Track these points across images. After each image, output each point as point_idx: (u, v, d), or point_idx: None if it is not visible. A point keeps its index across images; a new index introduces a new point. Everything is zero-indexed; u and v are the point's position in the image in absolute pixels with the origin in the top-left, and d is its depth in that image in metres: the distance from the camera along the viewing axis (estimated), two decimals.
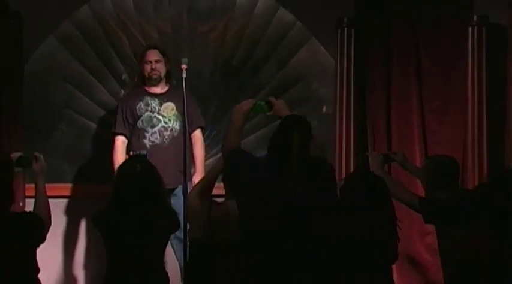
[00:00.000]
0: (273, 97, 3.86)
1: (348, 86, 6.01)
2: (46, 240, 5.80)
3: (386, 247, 3.72)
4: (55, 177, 5.95)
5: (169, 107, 5.63)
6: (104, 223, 4.09)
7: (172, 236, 4.84)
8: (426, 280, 5.86)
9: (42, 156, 4.13)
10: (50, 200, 5.84)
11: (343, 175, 5.45)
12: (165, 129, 5.59)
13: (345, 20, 6.01)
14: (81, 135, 6.15)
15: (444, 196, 4.53)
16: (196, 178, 5.47)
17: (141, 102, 5.64)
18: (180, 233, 4.97)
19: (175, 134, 5.57)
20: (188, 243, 5.00)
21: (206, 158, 5.84)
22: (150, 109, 5.63)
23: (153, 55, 5.63)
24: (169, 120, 5.62)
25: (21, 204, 5.76)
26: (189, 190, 5.10)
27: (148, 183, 4.05)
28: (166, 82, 5.71)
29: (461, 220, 4.21)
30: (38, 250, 5.76)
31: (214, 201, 4.12)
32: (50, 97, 6.12)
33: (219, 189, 4.20)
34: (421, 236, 5.82)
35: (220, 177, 4.07)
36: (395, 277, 5.75)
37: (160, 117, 5.62)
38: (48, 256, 5.86)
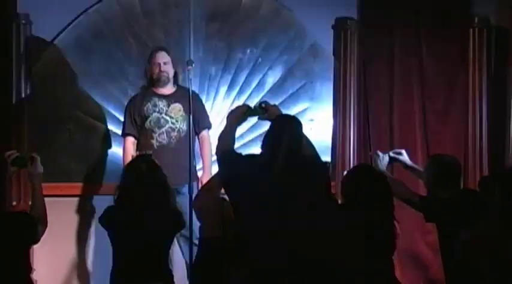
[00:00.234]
0: (267, 101, 3.91)
1: (349, 87, 6.06)
2: (54, 238, 5.90)
3: (384, 241, 3.74)
4: (63, 176, 6.05)
5: (177, 108, 5.66)
6: (110, 222, 4.14)
7: (178, 234, 4.89)
8: (428, 277, 5.90)
9: (39, 158, 4.07)
10: (58, 199, 5.98)
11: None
12: (173, 129, 5.63)
13: (347, 22, 6.06)
14: (89, 135, 6.17)
15: (445, 196, 4.54)
16: (204, 178, 5.51)
17: (149, 103, 5.67)
18: (186, 232, 5.04)
19: (182, 135, 5.59)
20: (195, 241, 5.06)
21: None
22: (157, 110, 5.66)
23: (161, 57, 5.67)
24: (177, 120, 5.65)
25: (29, 203, 5.79)
26: (194, 190, 5.22)
27: (154, 182, 4.08)
28: (173, 84, 5.74)
29: (462, 219, 4.23)
30: (47, 248, 5.86)
31: (226, 199, 4.16)
32: (59, 98, 6.13)
33: None
34: (423, 234, 5.86)
35: None
36: (397, 274, 5.82)
37: (167, 118, 5.65)
38: (56, 254, 5.99)
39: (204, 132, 5.71)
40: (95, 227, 6.00)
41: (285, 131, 3.54)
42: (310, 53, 6.27)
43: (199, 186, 5.46)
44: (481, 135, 6.01)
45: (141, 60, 6.09)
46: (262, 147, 3.59)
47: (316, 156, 3.72)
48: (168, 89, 5.73)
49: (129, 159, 5.50)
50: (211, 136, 5.71)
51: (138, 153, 5.40)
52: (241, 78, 6.27)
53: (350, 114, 6.06)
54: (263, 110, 3.83)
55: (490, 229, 3.59)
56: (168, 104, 5.67)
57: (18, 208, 5.73)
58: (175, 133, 5.63)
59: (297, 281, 3.35)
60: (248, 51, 6.26)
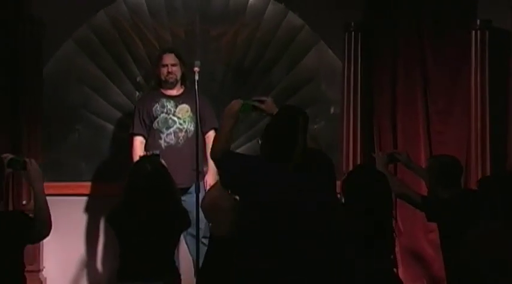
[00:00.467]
0: (260, 96, 3.88)
1: (355, 88, 6.09)
2: (64, 237, 5.99)
3: (385, 241, 3.73)
4: (73, 175, 6.15)
5: (184, 109, 5.71)
6: (116, 221, 4.17)
7: (185, 232, 4.95)
8: (430, 275, 5.91)
9: (33, 161, 3.98)
10: (68, 198, 6.06)
11: None
12: (180, 130, 5.67)
13: (352, 24, 6.09)
14: (98, 135, 6.23)
15: (446, 195, 4.57)
16: (209, 177, 5.57)
17: (157, 104, 5.72)
18: (193, 230, 5.09)
19: (190, 135, 5.63)
20: (204, 240, 5.12)
21: None
22: (165, 110, 5.70)
23: (169, 59, 5.72)
24: (184, 121, 5.70)
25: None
26: (201, 189, 5.28)
27: (158, 182, 4.10)
28: (181, 85, 5.79)
29: (463, 219, 4.25)
30: (56, 246, 5.95)
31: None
32: (68, 99, 6.21)
33: None
34: (425, 233, 5.88)
35: None
36: (400, 272, 5.88)
37: (175, 119, 5.70)
38: (65, 252, 6.06)
39: (211, 132, 5.72)
40: (103, 226, 6.07)
41: (298, 128, 3.45)
42: (316, 54, 6.32)
43: (206, 185, 5.54)
44: (483, 135, 6.00)
45: (148, 61, 6.18)
46: (268, 141, 3.49)
47: (320, 149, 3.69)
48: (176, 90, 5.79)
49: (137, 158, 5.45)
50: None
51: (146, 153, 5.45)
52: (248, 80, 6.32)
53: (356, 114, 6.10)
54: (257, 106, 3.78)
55: (490, 229, 3.61)
56: (175, 105, 5.72)
57: (29, 206, 5.81)
58: (183, 134, 5.68)
59: (298, 281, 3.35)
60: (254, 52, 6.31)
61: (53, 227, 5.92)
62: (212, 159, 3.66)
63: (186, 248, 5.61)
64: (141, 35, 6.23)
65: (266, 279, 3.34)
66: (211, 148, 3.65)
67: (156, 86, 5.84)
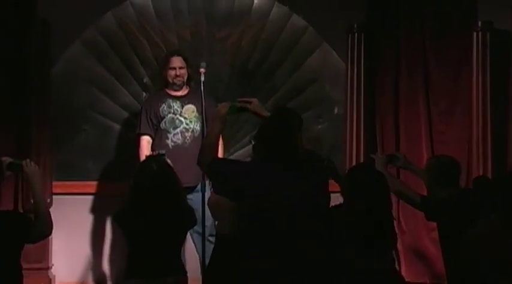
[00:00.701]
0: (246, 98, 3.89)
1: (358, 89, 6.13)
2: (72, 235, 6.06)
3: (384, 240, 3.73)
4: (81, 175, 6.20)
5: (190, 109, 5.77)
6: (123, 220, 4.19)
7: (192, 230, 5.00)
8: (433, 273, 5.94)
9: (33, 163, 4.01)
10: (76, 197, 6.12)
11: None
12: (187, 130, 5.73)
13: (355, 25, 6.15)
14: (105, 136, 6.28)
15: (445, 195, 4.58)
16: None
17: (164, 104, 5.77)
18: (199, 228, 5.13)
19: (196, 135, 5.68)
20: (209, 237, 5.17)
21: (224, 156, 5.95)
22: (172, 111, 5.76)
23: (178, 62, 5.77)
24: (191, 121, 5.75)
25: (48, 200, 5.86)
26: (206, 188, 5.31)
27: (164, 182, 4.11)
28: (186, 85, 5.85)
29: (462, 219, 4.28)
30: (64, 245, 6.01)
31: None
32: (76, 100, 6.25)
33: None
34: (428, 231, 5.89)
35: None
36: (403, 270, 5.94)
37: (182, 119, 5.76)
38: (73, 250, 6.12)
39: None
40: (111, 225, 6.11)
41: (292, 130, 3.48)
42: (320, 56, 6.36)
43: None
44: (484, 136, 6.02)
45: (155, 62, 6.23)
46: (262, 142, 3.50)
47: (313, 150, 3.73)
48: (181, 91, 5.84)
49: (144, 158, 5.59)
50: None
51: (152, 153, 5.50)
52: (253, 81, 6.37)
53: (360, 115, 6.13)
54: (244, 107, 3.80)
55: (490, 229, 3.63)
56: (181, 105, 5.78)
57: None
58: (190, 134, 5.74)
59: (298, 281, 3.36)
60: (259, 54, 6.35)
61: (61, 225, 6.04)
62: (200, 164, 3.66)
63: (193, 246, 5.65)
64: (147, 36, 6.28)
65: (266, 279, 3.35)
66: (199, 154, 3.65)
67: (162, 87, 5.89)
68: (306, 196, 3.43)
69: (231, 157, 6.05)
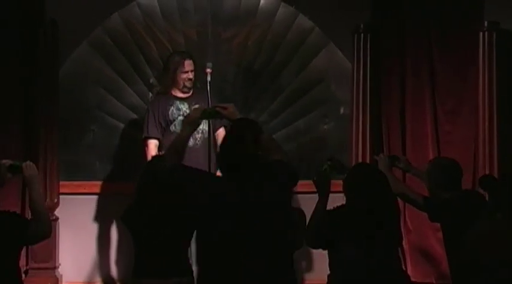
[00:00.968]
0: (221, 104, 4.00)
1: (364, 88, 6.13)
2: (79, 235, 6.08)
3: (386, 239, 3.74)
4: (88, 175, 6.23)
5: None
6: (130, 220, 4.23)
7: None
8: (438, 272, 5.94)
9: (32, 165, 4.02)
10: (83, 197, 6.14)
11: None
12: (197, 131, 5.59)
13: (361, 26, 6.14)
14: (112, 136, 6.30)
15: (447, 196, 4.58)
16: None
17: (173, 107, 5.77)
18: None
19: (206, 136, 5.67)
20: None
21: None
22: (181, 113, 5.72)
23: (190, 65, 5.75)
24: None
25: (55, 200, 5.97)
26: None
27: (170, 182, 4.06)
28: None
29: (464, 219, 4.24)
30: (71, 244, 6.03)
31: None
32: (83, 100, 6.27)
33: None
34: (434, 231, 5.89)
35: None
36: (409, 269, 5.94)
37: None
38: (80, 249, 6.14)
39: (221, 130, 5.79)
40: (117, 224, 6.12)
41: (244, 140, 3.55)
42: (326, 56, 6.37)
43: None
44: (491, 135, 6.03)
45: (161, 63, 6.22)
46: (220, 151, 3.66)
47: (282, 160, 3.72)
48: (188, 92, 5.85)
49: None
50: None
51: (158, 153, 5.50)
52: (259, 81, 6.38)
53: (365, 115, 6.13)
54: (218, 112, 3.88)
55: (490, 229, 3.56)
56: (189, 107, 5.75)
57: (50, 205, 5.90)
58: (200, 135, 5.71)
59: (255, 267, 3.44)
60: (265, 54, 6.36)
61: (69, 225, 6.06)
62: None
63: None
64: (154, 37, 6.29)
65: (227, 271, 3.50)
66: (166, 151, 3.78)
67: (166, 88, 5.87)
68: (260, 204, 3.50)
69: None
